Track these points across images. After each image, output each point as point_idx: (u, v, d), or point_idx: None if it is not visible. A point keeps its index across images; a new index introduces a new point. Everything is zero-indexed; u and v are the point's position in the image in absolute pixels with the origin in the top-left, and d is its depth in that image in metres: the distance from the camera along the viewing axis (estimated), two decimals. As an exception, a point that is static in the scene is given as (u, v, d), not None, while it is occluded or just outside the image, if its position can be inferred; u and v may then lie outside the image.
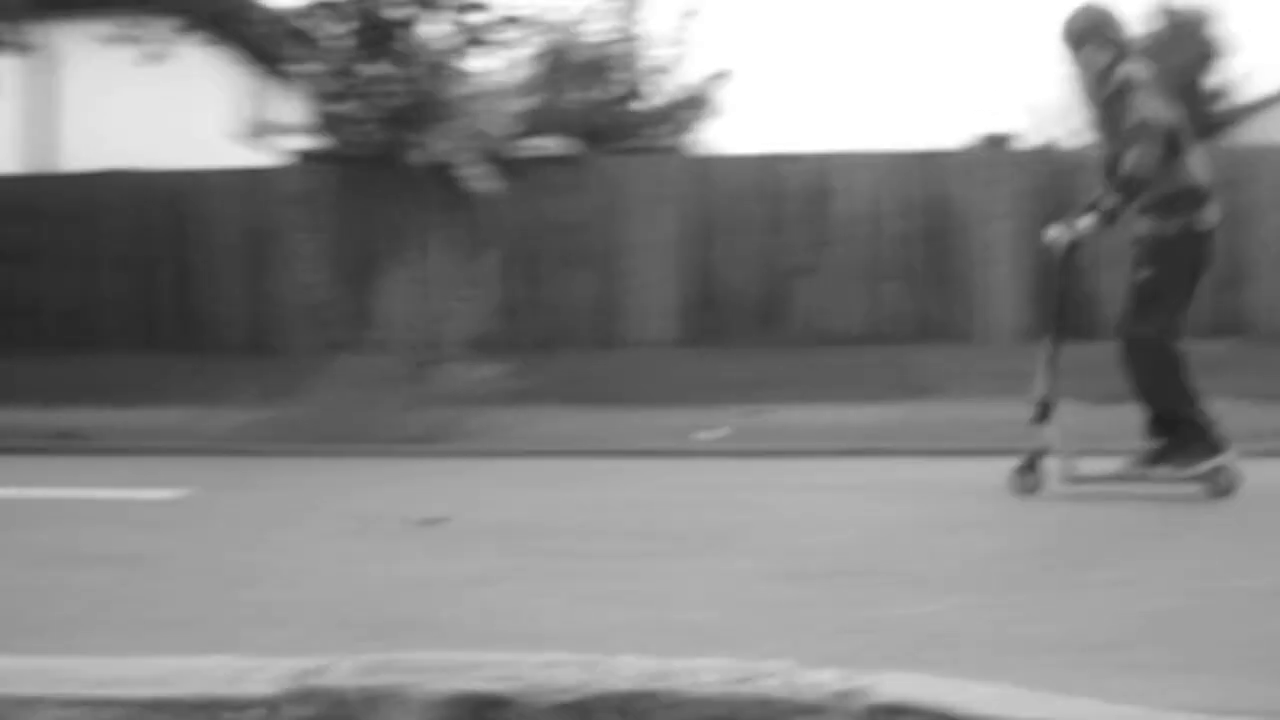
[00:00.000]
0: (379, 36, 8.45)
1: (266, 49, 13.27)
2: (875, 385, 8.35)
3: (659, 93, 12.38)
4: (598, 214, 9.80)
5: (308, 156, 10.16)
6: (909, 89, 38.51)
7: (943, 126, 33.64)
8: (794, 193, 9.78)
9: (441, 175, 9.17)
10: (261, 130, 14.48)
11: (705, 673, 1.67)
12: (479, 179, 9.22)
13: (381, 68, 8.75)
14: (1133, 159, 4.22)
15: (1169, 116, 4.37)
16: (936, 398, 7.84)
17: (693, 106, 12.65)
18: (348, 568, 3.23)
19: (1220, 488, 4.20)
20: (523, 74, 11.20)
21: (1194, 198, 4.33)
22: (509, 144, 9.55)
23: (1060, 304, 4.60)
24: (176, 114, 13.01)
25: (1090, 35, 4.42)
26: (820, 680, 1.66)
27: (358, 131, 9.38)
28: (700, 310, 9.74)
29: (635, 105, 12.16)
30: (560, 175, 9.74)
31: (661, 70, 12.37)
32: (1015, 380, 7.72)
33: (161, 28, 8.51)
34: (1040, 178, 9.51)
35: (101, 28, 9.29)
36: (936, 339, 9.42)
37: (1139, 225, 4.41)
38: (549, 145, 9.79)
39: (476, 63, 9.79)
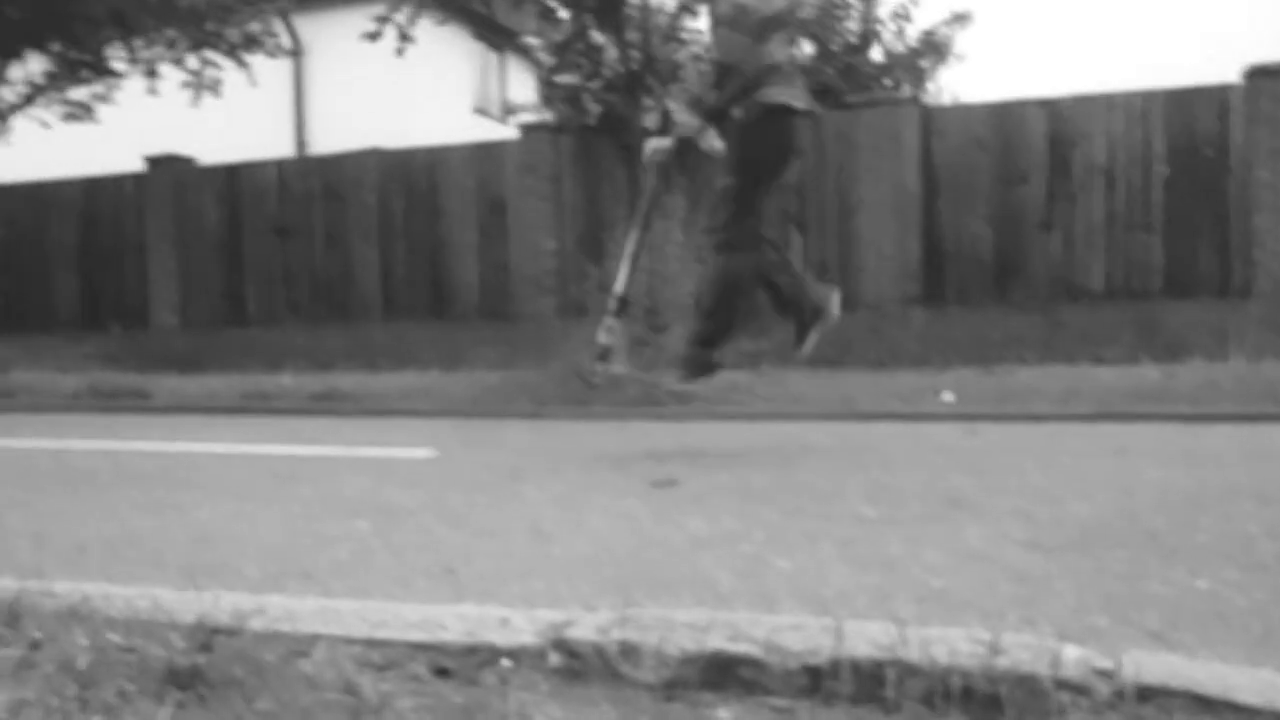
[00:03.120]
0: (603, 6, 8.55)
1: (498, 25, 13.71)
2: (1124, 344, 7.89)
3: (893, 41, 12.00)
4: (827, 171, 9.64)
5: (538, 127, 10.45)
6: (1164, 20, 35.89)
7: (1202, 60, 31.07)
8: (1034, 141, 9.31)
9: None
10: (495, 104, 14.97)
11: (952, 642, 1.63)
12: (704, 141, 9.22)
13: (605, 36, 8.86)
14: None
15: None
16: (1192, 357, 7.33)
17: (929, 54, 12.20)
18: (587, 524, 3.33)
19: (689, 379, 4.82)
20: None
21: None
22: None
23: (648, 210, 5.17)
24: (416, 93, 13.65)
25: (726, 22, 4.71)
26: (1076, 656, 1.58)
27: (585, 100, 9.57)
28: (933, 268, 9.44)
29: (867, 55, 11.83)
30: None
31: (895, 17, 11.97)
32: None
33: (408, 13, 8.90)
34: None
35: (349, 17, 9.83)
36: (1193, 294, 8.78)
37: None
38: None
39: (697, 24, 9.77)
